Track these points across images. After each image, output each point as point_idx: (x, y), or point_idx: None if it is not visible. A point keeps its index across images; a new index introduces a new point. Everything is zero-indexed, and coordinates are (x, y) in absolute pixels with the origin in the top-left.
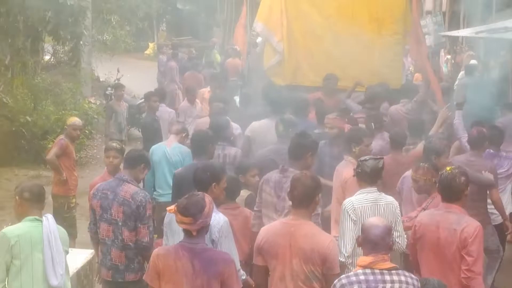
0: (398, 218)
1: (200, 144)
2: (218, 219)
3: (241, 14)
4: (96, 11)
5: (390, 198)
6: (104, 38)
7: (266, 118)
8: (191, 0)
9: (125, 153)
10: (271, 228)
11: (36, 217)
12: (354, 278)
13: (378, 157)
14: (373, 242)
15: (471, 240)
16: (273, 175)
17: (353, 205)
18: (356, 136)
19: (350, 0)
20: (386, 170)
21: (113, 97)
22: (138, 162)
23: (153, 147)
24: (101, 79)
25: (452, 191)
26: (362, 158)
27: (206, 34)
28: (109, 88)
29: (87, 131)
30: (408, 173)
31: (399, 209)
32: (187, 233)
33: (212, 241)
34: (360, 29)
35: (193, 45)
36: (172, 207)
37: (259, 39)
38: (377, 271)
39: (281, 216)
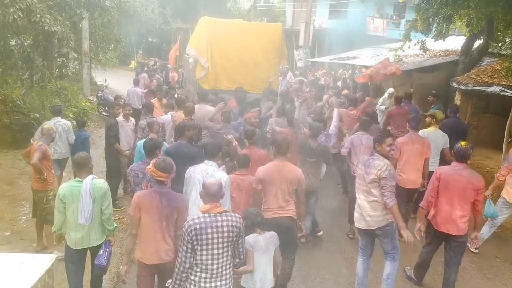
0: None
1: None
2: (223, 175)
3: (176, 43)
4: (93, 41)
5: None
6: (100, 58)
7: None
8: (157, 35)
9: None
10: (267, 168)
11: (79, 179)
12: (197, 220)
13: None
14: (212, 195)
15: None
16: (364, 157)
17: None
18: None
19: (248, 37)
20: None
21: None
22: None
23: (140, 143)
24: (98, 83)
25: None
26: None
27: (166, 56)
28: (99, 92)
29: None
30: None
31: None
32: (159, 182)
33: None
34: (254, 54)
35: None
36: (150, 167)
37: (191, 60)
38: (212, 214)
39: (365, 182)
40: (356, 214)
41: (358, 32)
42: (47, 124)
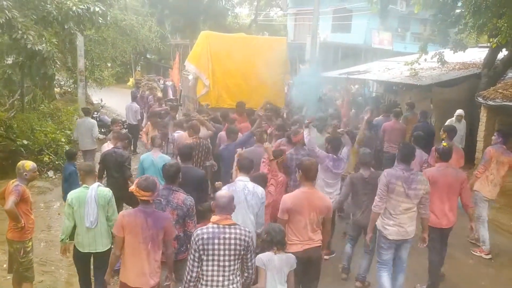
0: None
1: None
2: (261, 190)
3: (175, 60)
4: (89, 59)
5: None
6: (96, 77)
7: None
8: (155, 52)
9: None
10: (295, 196)
11: (86, 185)
12: (205, 230)
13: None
14: (222, 207)
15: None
16: (400, 173)
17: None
18: None
19: (251, 52)
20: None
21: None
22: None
23: (143, 157)
24: (94, 103)
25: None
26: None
27: (164, 73)
28: (95, 112)
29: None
30: None
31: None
32: (144, 202)
33: (262, 203)
34: (258, 69)
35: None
36: (133, 187)
37: (190, 77)
38: (221, 226)
39: (407, 198)
40: (393, 228)
41: (363, 45)
42: (27, 162)
